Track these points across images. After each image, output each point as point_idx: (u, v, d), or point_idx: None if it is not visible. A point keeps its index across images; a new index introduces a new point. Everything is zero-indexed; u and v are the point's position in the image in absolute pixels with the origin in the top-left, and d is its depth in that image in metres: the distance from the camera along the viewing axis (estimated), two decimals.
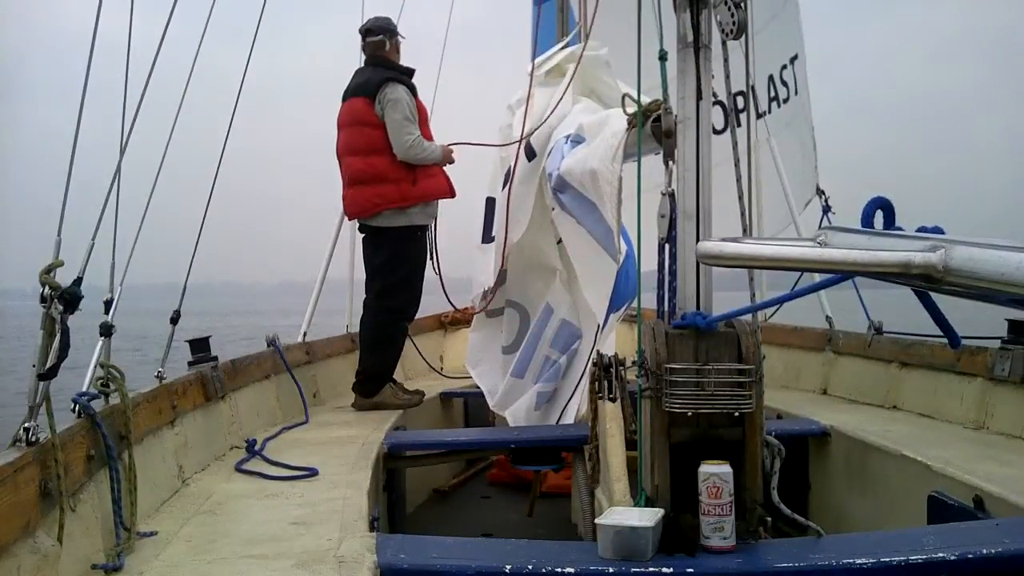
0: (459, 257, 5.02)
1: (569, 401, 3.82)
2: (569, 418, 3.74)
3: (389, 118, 4.09)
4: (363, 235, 4.37)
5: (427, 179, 4.20)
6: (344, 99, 4.29)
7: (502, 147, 4.57)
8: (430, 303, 5.61)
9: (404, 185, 4.13)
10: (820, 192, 5.88)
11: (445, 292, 4.81)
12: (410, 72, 4.32)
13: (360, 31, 4.41)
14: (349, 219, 4.50)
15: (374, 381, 4.19)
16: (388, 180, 4.12)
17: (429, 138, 4.31)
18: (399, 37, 4.40)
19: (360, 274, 5.08)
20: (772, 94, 6.06)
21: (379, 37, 4.30)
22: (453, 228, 4.64)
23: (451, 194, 4.42)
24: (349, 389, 4.22)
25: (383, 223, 4.19)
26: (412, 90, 4.25)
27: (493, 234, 4.52)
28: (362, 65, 4.38)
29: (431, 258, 4.51)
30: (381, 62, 4.29)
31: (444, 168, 4.37)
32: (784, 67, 6.17)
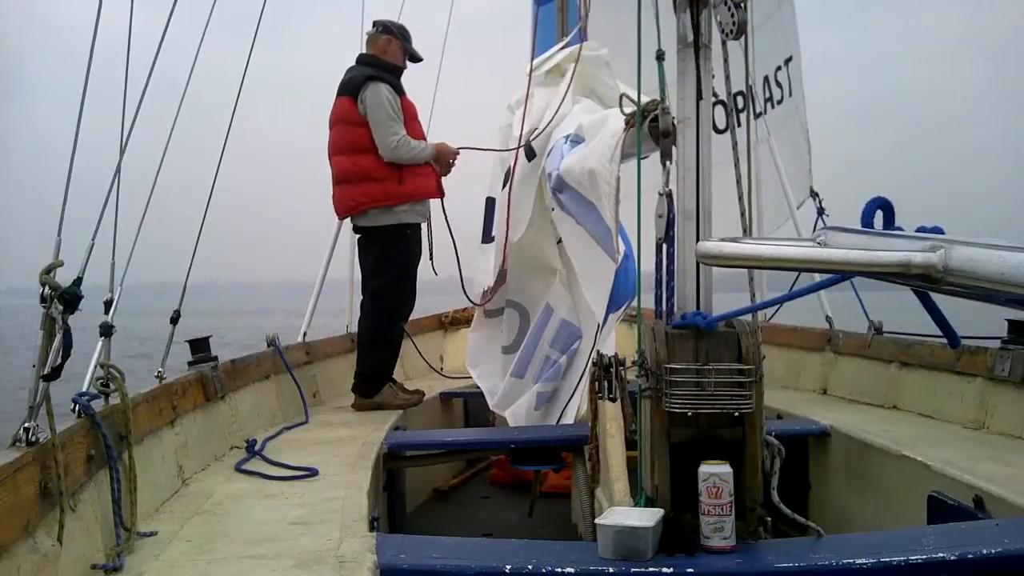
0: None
1: (569, 401, 3.82)
2: (569, 418, 3.74)
3: (372, 119, 4.06)
4: (357, 236, 4.37)
5: (414, 178, 4.17)
6: (336, 97, 4.28)
7: (506, 146, 4.57)
8: (433, 303, 5.61)
9: (390, 184, 4.11)
10: (814, 194, 5.88)
11: (464, 289, 4.78)
12: (396, 70, 4.28)
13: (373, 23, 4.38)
14: (339, 218, 4.49)
15: (373, 382, 4.18)
16: (373, 179, 4.11)
17: (419, 136, 4.28)
18: (399, 41, 4.31)
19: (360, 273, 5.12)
20: (767, 95, 6.07)
21: (383, 35, 4.27)
22: (453, 228, 4.64)
23: (439, 195, 4.37)
24: (349, 389, 4.22)
25: (371, 222, 4.19)
26: (397, 88, 4.21)
27: (493, 234, 4.53)
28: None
29: (431, 258, 4.50)
30: (368, 60, 4.27)
31: (436, 168, 4.32)
32: (779, 68, 6.16)
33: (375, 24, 4.35)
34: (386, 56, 4.27)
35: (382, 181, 4.10)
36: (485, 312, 4.73)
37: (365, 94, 4.07)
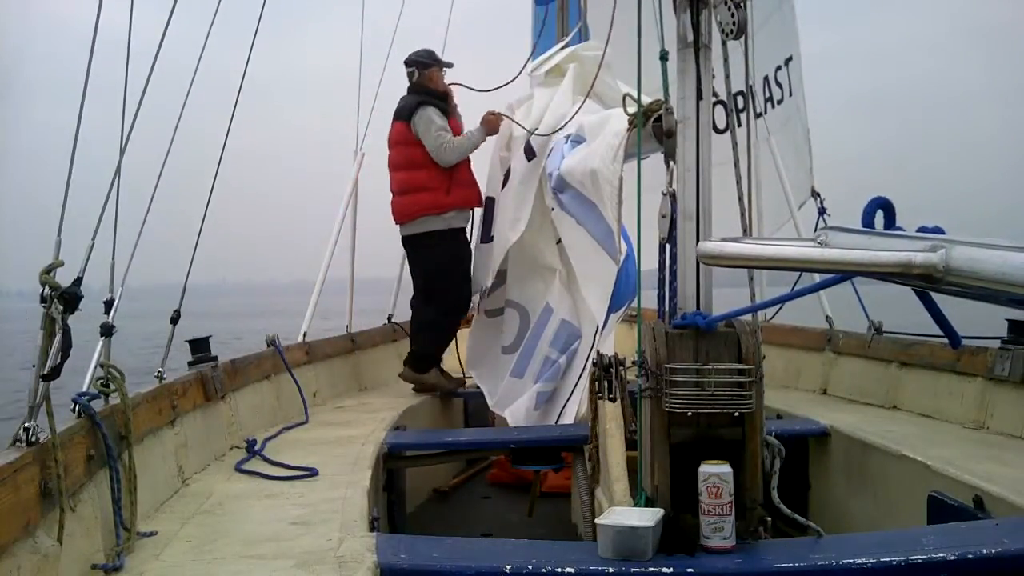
0: None
1: (568, 401, 3.82)
2: (568, 418, 3.74)
3: (423, 136, 4.51)
4: (407, 244, 4.74)
5: (459, 189, 4.61)
6: (392, 121, 4.73)
7: (504, 147, 4.62)
8: None
9: (439, 194, 4.55)
10: (815, 194, 5.87)
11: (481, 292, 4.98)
12: (443, 96, 4.70)
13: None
14: (396, 223, 4.80)
15: (423, 360, 4.64)
16: (426, 189, 4.57)
17: (470, 171, 4.68)
18: (435, 68, 4.73)
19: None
20: (767, 95, 6.07)
21: (410, 69, 4.74)
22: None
23: (479, 203, 4.71)
24: (348, 389, 4.29)
25: (422, 228, 4.59)
26: (443, 111, 4.62)
27: (492, 234, 4.54)
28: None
29: None
30: (417, 89, 4.71)
31: (475, 178, 4.74)
32: (779, 68, 6.16)
33: (408, 64, 4.75)
34: (431, 84, 4.71)
35: (433, 191, 4.56)
36: (485, 312, 4.75)
37: (416, 119, 4.54)
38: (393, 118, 4.74)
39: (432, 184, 4.56)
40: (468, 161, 4.71)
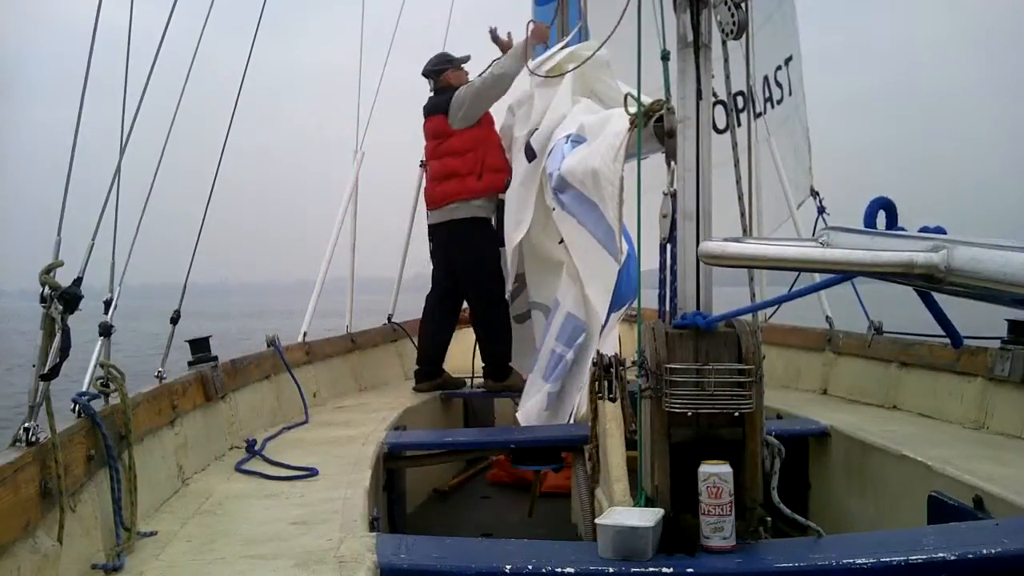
0: None
1: (579, 401, 3.80)
2: (573, 418, 3.73)
3: (473, 95, 4.59)
4: (434, 233, 4.77)
5: (489, 174, 4.64)
6: (424, 117, 4.87)
7: (506, 149, 4.63)
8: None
9: (470, 179, 4.62)
10: (815, 193, 5.88)
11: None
12: None
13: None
14: (428, 209, 4.88)
15: (503, 366, 4.66)
16: (457, 175, 4.65)
17: (502, 157, 4.72)
18: (449, 70, 4.86)
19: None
20: (767, 95, 6.07)
21: (442, 74, 4.87)
22: None
23: (504, 189, 4.71)
24: (348, 389, 4.26)
25: (449, 216, 4.66)
26: None
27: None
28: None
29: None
30: (442, 89, 4.83)
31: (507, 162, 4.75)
32: (779, 68, 6.17)
33: (428, 75, 4.91)
34: (452, 83, 4.80)
35: (464, 177, 4.63)
36: (514, 319, 4.76)
37: (454, 101, 4.64)
38: (425, 115, 4.84)
39: (464, 170, 4.64)
40: (501, 147, 4.77)
